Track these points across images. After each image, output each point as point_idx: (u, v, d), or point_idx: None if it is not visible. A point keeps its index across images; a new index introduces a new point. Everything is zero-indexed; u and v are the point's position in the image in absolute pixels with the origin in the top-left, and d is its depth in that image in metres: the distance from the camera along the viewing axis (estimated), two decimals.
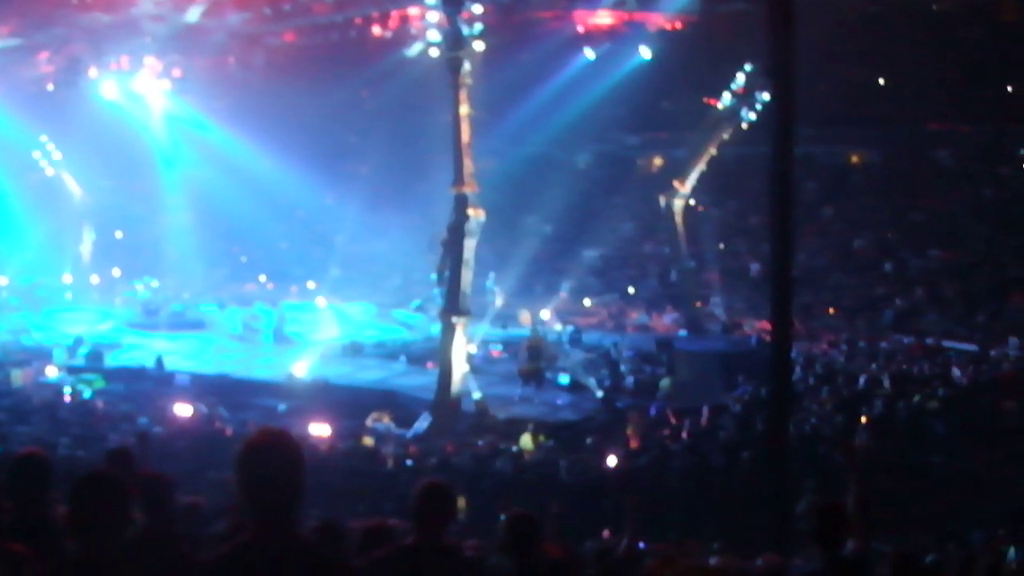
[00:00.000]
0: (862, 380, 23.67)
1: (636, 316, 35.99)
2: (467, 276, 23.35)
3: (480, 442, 21.02)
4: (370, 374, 28.20)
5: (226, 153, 38.46)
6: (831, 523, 6.60)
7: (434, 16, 25.90)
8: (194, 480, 14.29)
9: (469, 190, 23.10)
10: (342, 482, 16.77)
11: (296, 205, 42.67)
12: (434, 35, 25.90)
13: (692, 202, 34.11)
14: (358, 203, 40.49)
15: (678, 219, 33.41)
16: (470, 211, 22.99)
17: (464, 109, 23.07)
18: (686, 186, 33.14)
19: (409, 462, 18.91)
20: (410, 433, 22.33)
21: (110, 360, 28.63)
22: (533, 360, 26.36)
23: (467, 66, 23.05)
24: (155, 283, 38.55)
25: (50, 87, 35.66)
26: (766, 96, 27.36)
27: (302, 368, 27.11)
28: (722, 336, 32.51)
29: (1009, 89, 39.20)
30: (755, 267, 36.28)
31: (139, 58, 34.21)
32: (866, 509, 7.14)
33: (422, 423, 22.68)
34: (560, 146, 43.36)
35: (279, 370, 27.40)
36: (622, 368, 27.85)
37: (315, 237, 42.89)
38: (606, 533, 12.03)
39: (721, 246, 38.63)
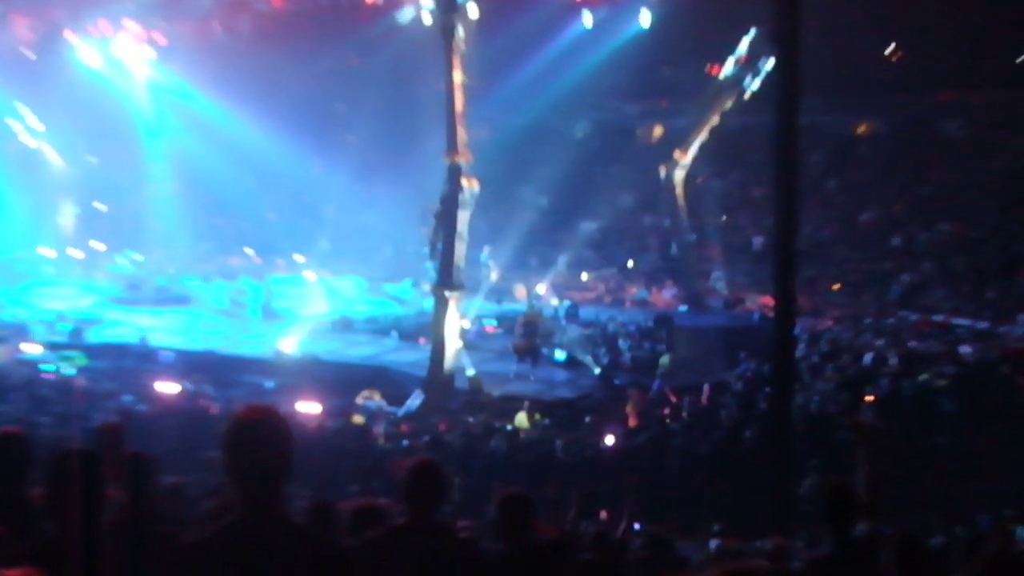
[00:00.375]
0: (868, 357, 23.69)
1: (635, 291, 35.97)
2: (460, 249, 23.35)
3: (473, 420, 21.08)
4: (360, 350, 28.21)
5: (211, 122, 38.29)
6: (842, 504, 6.58)
7: None
8: (179, 459, 14.35)
9: (463, 160, 23.06)
10: (332, 461, 16.82)
11: (284, 176, 42.47)
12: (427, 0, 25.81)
13: (693, 173, 34.01)
14: (348, 173, 40.38)
15: (679, 191, 33.32)
16: (463, 182, 22.95)
17: (458, 76, 23.01)
18: (687, 157, 33.03)
19: (405, 442, 18.95)
20: (402, 411, 22.38)
21: (92, 336, 28.63)
22: (528, 336, 26.38)
23: (461, 32, 22.97)
24: (138, 257, 38.48)
25: (29, 54, 35.48)
26: (770, 63, 27.26)
27: (290, 344, 27.11)
28: (724, 311, 32.54)
29: (1022, 57, 39.11)
30: (758, 240, 36.22)
31: (121, 24, 34.04)
32: (877, 489, 7.14)
33: (414, 401, 22.71)
34: (557, 115, 43.20)
35: (266, 346, 27.40)
36: (620, 344, 27.88)
37: (303, 209, 42.76)
38: (603, 514, 12.07)
39: (723, 219, 38.58)
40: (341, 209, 40.79)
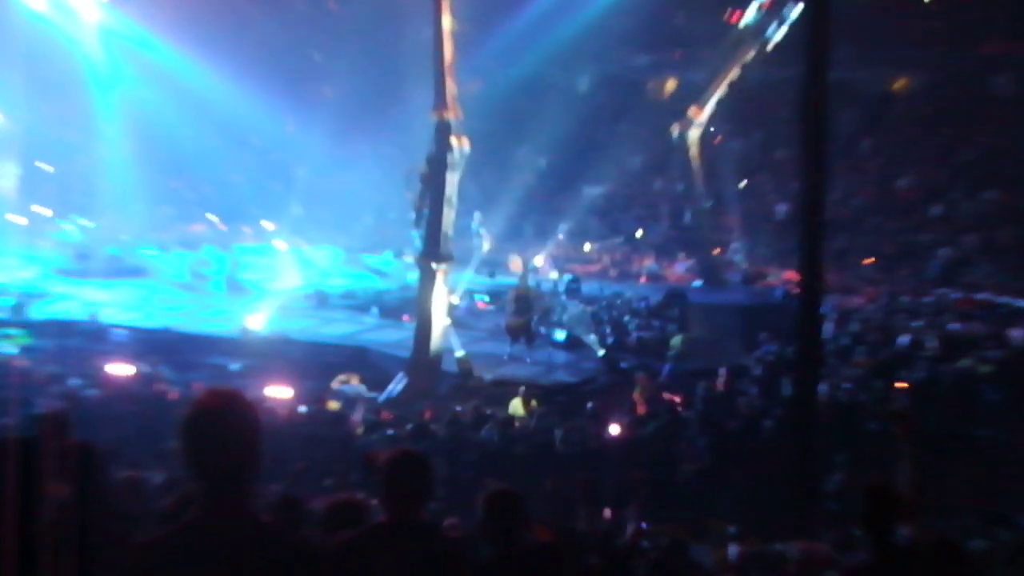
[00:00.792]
0: (903, 340, 23.72)
1: (644, 264, 36.04)
2: (449, 216, 23.33)
3: (463, 407, 21.10)
4: (337, 328, 28.29)
5: (170, 72, 38.20)
6: (884, 506, 6.49)
7: None
8: (134, 450, 14.36)
9: (452, 116, 23.01)
10: (304, 452, 16.84)
11: (251, 133, 42.49)
12: None
13: (710, 133, 33.96)
14: (323, 131, 40.33)
15: (693, 152, 33.27)
16: (453, 140, 22.92)
17: (447, 22, 22.92)
18: (703, 114, 32.95)
19: (387, 432, 18.98)
20: (383, 396, 22.44)
21: (35, 312, 28.60)
22: (520, 313, 26.37)
23: None
24: (88, 223, 38.43)
25: None
26: (797, 10, 27.20)
27: (258, 321, 27.15)
28: (742, 287, 32.57)
29: None
30: (781, 208, 36.29)
31: None
32: (922, 490, 7.06)
33: (396, 385, 22.76)
34: (558, 66, 43.17)
35: (232, 324, 27.45)
36: (627, 323, 27.91)
37: (273, 170, 42.77)
38: (608, 512, 12.10)
39: (743, 184, 38.61)
40: (316, 171, 40.77)
